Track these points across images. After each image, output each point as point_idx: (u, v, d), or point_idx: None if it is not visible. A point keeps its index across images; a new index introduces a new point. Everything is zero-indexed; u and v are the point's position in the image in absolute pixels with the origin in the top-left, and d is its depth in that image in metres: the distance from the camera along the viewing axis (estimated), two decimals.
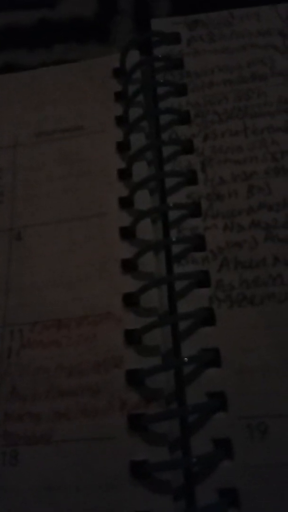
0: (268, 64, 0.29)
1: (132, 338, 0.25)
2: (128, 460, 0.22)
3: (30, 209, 0.29)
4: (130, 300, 0.26)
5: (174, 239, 0.26)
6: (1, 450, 0.24)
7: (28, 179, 0.30)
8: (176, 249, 0.26)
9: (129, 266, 0.26)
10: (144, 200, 0.28)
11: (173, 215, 0.27)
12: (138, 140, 0.29)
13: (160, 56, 0.31)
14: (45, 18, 0.38)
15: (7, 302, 0.27)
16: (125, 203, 0.28)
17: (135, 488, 0.22)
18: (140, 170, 0.29)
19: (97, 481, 0.22)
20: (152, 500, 0.22)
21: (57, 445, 0.24)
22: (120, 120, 0.30)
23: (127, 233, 0.27)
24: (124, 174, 0.29)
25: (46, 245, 0.28)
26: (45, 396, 0.25)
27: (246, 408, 0.23)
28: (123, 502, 0.22)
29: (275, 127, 0.28)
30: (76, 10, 0.38)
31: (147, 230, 0.27)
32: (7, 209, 0.30)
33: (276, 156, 0.27)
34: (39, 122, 0.32)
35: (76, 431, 0.24)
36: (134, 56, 0.31)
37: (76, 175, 0.29)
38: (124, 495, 0.22)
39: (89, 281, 0.27)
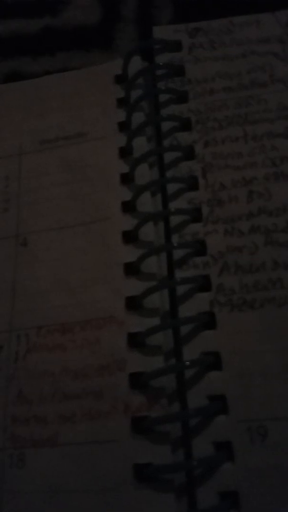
0: (268, 71, 0.30)
1: (135, 341, 0.25)
2: (131, 462, 0.23)
3: (35, 215, 0.30)
4: (133, 304, 0.26)
5: (175, 244, 0.27)
6: (9, 453, 0.25)
7: (33, 186, 0.31)
8: (177, 254, 0.27)
9: (131, 269, 0.27)
10: (146, 204, 0.28)
11: (174, 220, 0.27)
12: (140, 145, 0.30)
13: (161, 63, 0.31)
14: (48, 26, 0.39)
15: (13, 307, 0.28)
16: (128, 207, 0.29)
17: (138, 490, 0.22)
18: (143, 174, 0.29)
19: (101, 484, 0.23)
20: (154, 502, 0.22)
21: (62, 448, 0.24)
22: (122, 126, 0.31)
23: (129, 237, 0.28)
24: (126, 179, 0.29)
25: (50, 251, 0.29)
26: (50, 400, 0.25)
27: (247, 411, 0.23)
28: (127, 504, 0.22)
29: (275, 133, 0.28)
30: (79, 18, 0.38)
31: (149, 234, 0.28)
32: (13, 216, 0.30)
33: (275, 162, 0.27)
34: (42, 129, 0.32)
35: (80, 434, 0.24)
36: (136, 62, 0.32)
37: (79, 181, 0.30)
38: (127, 497, 0.22)
39: (92, 285, 0.27)
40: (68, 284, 0.27)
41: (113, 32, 0.37)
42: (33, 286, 0.28)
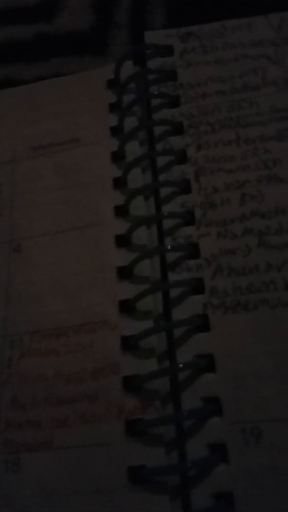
0: (260, 74, 0.30)
1: (128, 344, 0.25)
2: (125, 465, 0.23)
3: (28, 221, 0.30)
4: (126, 307, 0.26)
5: (168, 247, 0.27)
6: (3, 458, 0.25)
7: (26, 192, 0.31)
8: (170, 257, 0.27)
9: (125, 273, 0.27)
10: (139, 208, 0.28)
11: (167, 223, 0.27)
12: (133, 149, 0.30)
13: (153, 68, 0.31)
14: (42, 32, 0.39)
15: (7, 312, 0.28)
16: (121, 211, 0.29)
17: (132, 493, 0.22)
18: (135, 178, 0.29)
19: (96, 487, 0.23)
20: (149, 505, 0.22)
21: (57, 452, 0.24)
22: (115, 131, 0.31)
23: (122, 241, 0.28)
24: (119, 183, 0.29)
25: (44, 256, 0.29)
26: (44, 404, 0.25)
27: (240, 413, 0.23)
28: (121, 507, 0.22)
29: (267, 136, 0.28)
30: (73, 24, 0.39)
31: (142, 237, 0.28)
32: (7, 221, 0.30)
33: (268, 164, 0.27)
34: (36, 135, 0.32)
35: (75, 437, 0.24)
36: (128, 67, 0.32)
37: (73, 186, 0.30)
38: (122, 500, 0.22)
39: (86, 290, 0.27)
40: (62, 289, 0.28)
41: (107, 37, 0.37)
42: (27, 291, 0.28)
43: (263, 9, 0.32)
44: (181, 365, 0.24)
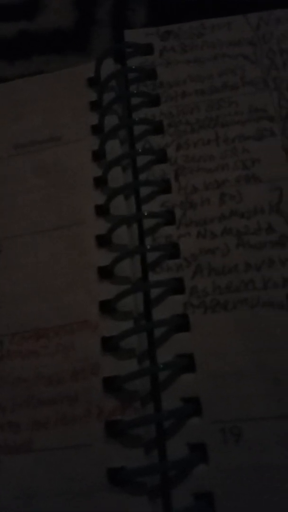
0: (238, 73, 0.30)
1: (109, 345, 0.25)
2: (105, 467, 0.23)
3: (9, 221, 0.30)
4: (107, 307, 0.26)
5: (149, 247, 0.27)
6: None
7: (7, 192, 0.31)
8: (151, 256, 0.27)
9: (105, 273, 0.27)
10: (119, 207, 0.28)
11: (148, 223, 0.27)
12: (113, 148, 0.30)
13: (133, 67, 0.31)
14: (24, 30, 0.39)
15: None
16: (101, 210, 0.29)
17: (112, 494, 0.22)
18: (116, 177, 0.29)
19: (75, 488, 0.23)
20: (128, 506, 0.22)
21: (36, 454, 0.24)
22: (96, 129, 0.31)
23: (103, 241, 0.28)
24: (100, 182, 0.29)
25: (25, 256, 0.28)
26: (25, 406, 0.25)
27: (220, 412, 0.23)
28: (101, 508, 0.22)
29: (246, 135, 0.28)
30: (55, 22, 0.38)
31: (123, 237, 0.28)
32: None
33: (246, 164, 0.27)
34: (17, 134, 0.32)
35: (55, 439, 0.24)
36: (108, 65, 0.32)
37: (54, 185, 0.30)
38: (102, 502, 0.22)
39: (66, 290, 0.27)
40: (42, 290, 0.27)
41: (89, 35, 0.37)
42: (9, 292, 0.28)
43: (245, 9, 0.33)
44: (161, 365, 0.24)
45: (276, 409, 0.23)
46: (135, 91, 0.31)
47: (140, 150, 0.29)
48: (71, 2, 0.39)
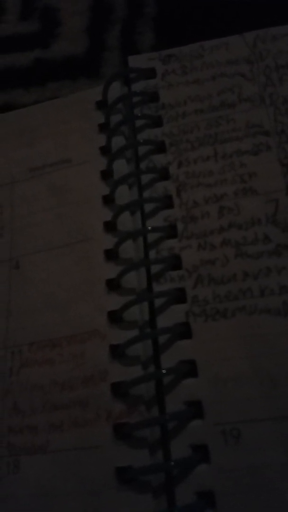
0: (236, 91, 0.31)
1: (116, 352, 0.27)
2: (113, 466, 0.25)
3: (26, 239, 0.32)
4: (114, 317, 0.28)
5: (152, 260, 0.28)
6: (6, 461, 0.27)
7: (24, 212, 0.33)
8: (155, 268, 0.28)
9: (113, 285, 0.29)
10: (126, 223, 0.30)
11: (151, 237, 0.29)
12: (120, 168, 0.32)
13: (137, 91, 0.33)
14: (39, 58, 0.41)
15: (8, 326, 0.30)
16: (109, 226, 0.31)
17: (120, 492, 0.24)
18: (122, 195, 0.31)
19: (86, 487, 0.25)
20: (134, 502, 0.24)
21: (52, 455, 0.26)
22: (104, 150, 0.33)
23: (111, 255, 0.30)
24: (108, 200, 0.31)
25: (40, 272, 0.31)
26: (41, 410, 0.27)
27: (221, 415, 0.24)
28: (109, 506, 0.24)
29: (243, 150, 0.30)
30: (67, 49, 0.41)
31: (129, 251, 0.29)
32: (7, 241, 0.32)
33: (244, 178, 0.29)
34: (32, 157, 0.34)
35: (68, 441, 0.26)
36: (116, 88, 0.34)
37: (65, 205, 0.32)
38: (110, 499, 0.24)
39: (77, 302, 0.29)
40: (56, 302, 0.29)
41: (100, 61, 0.39)
42: (25, 305, 0.30)
43: (246, 27, 0.34)
44: (164, 370, 0.26)
45: (273, 411, 0.24)
46: (139, 114, 0.32)
47: (144, 169, 0.31)
48: (83, 30, 0.41)
